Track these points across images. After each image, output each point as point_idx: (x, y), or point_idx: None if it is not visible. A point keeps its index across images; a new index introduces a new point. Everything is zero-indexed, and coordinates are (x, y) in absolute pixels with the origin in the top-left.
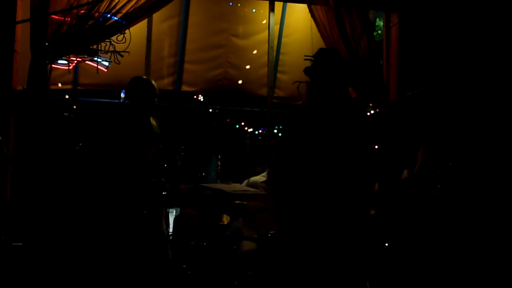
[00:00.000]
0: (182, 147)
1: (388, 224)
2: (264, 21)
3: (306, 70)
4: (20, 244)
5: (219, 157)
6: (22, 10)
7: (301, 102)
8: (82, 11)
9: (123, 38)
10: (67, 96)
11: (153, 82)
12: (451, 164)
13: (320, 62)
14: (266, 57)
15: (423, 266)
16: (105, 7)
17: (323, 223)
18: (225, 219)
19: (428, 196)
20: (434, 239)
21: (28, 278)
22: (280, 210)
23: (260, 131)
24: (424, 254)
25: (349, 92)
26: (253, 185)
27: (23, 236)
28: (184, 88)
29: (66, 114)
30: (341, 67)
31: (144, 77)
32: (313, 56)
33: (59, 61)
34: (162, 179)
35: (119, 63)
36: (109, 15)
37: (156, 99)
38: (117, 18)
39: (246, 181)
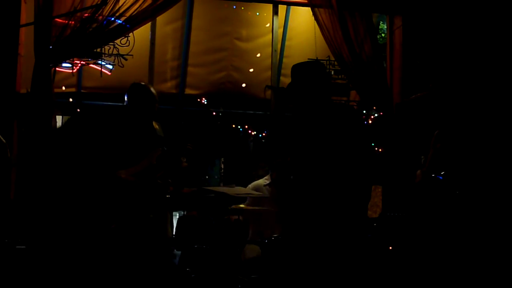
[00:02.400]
0: (186, 148)
1: (395, 227)
2: (268, 24)
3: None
4: (24, 247)
5: (223, 160)
6: (26, 14)
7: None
8: (86, 14)
9: (126, 41)
10: (71, 99)
11: (151, 88)
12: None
13: (294, 78)
14: (269, 60)
15: (437, 271)
16: (109, 10)
17: (324, 225)
18: (248, 253)
19: (446, 195)
20: (453, 241)
21: (31, 282)
22: (284, 212)
23: (263, 134)
24: (440, 260)
25: (330, 97)
26: (257, 188)
27: (26, 239)
28: (188, 91)
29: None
30: (315, 78)
31: (143, 83)
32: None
33: (63, 64)
34: (169, 180)
35: (123, 66)
36: (113, 18)
37: (156, 104)
38: (121, 22)
39: (249, 186)
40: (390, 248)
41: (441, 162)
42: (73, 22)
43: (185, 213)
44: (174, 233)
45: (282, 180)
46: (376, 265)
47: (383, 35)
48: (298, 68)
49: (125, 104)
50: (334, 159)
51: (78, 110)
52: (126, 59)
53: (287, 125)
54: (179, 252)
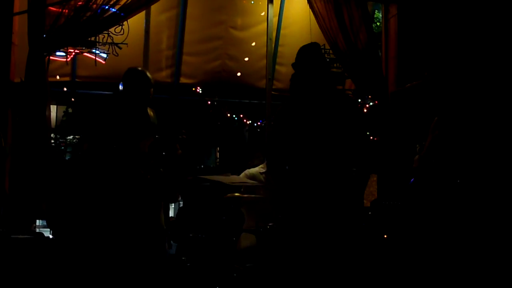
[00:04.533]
0: (180, 137)
1: (390, 216)
2: (263, 13)
3: (293, 65)
4: (19, 236)
5: (218, 149)
6: (20, 2)
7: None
8: (80, 3)
9: (121, 30)
10: (65, 89)
11: (147, 73)
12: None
13: (300, 58)
14: (264, 49)
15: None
16: None
17: (315, 213)
18: (243, 242)
19: (445, 184)
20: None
21: (27, 270)
22: (277, 200)
23: (259, 123)
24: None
25: (333, 83)
26: (253, 176)
27: (21, 228)
28: (183, 80)
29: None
30: (321, 61)
31: (139, 68)
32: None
33: (57, 53)
34: (161, 169)
35: (117, 55)
36: (107, 7)
37: (151, 89)
38: (115, 10)
39: (244, 173)
40: (385, 236)
41: (439, 148)
42: (66, 11)
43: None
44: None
45: (276, 169)
46: (370, 254)
47: (378, 23)
48: (299, 51)
49: (120, 91)
50: (329, 146)
51: (72, 99)
52: (120, 48)
53: (285, 112)
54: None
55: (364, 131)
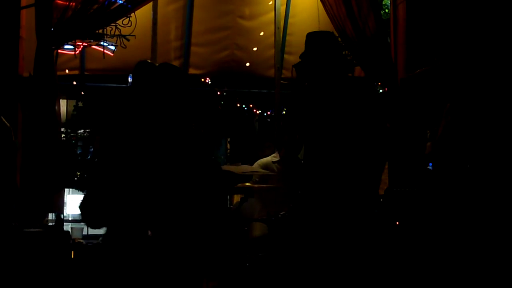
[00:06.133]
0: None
1: (402, 202)
2: (270, 2)
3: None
4: (31, 230)
5: (228, 140)
6: None
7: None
8: None
9: (128, 22)
10: (74, 82)
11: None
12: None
13: (310, 46)
14: (273, 38)
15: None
16: None
17: (334, 203)
18: (255, 231)
19: (457, 170)
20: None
21: (39, 263)
22: (292, 189)
23: (268, 113)
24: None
25: (345, 70)
26: (265, 166)
27: (34, 222)
28: (192, 71)
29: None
30: (332, 48)
31: (149, 61)
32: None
33: (65, 46)
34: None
35: (125, 47)
36: None
37: None
38: (122, 2)
39: (257, 163)
40: (397, 223)
41: (453, 134)
42: (74, 4)
43: None
44: None
45: (289, 157)
46: (382, 241)
47: (386, 10)
48: (313, 37)
49: (129, 85)
50: (346, 135)
51: (82, 93)
52: (128, 40)
53: (298, 100)
54: None
55: (383, 118)
